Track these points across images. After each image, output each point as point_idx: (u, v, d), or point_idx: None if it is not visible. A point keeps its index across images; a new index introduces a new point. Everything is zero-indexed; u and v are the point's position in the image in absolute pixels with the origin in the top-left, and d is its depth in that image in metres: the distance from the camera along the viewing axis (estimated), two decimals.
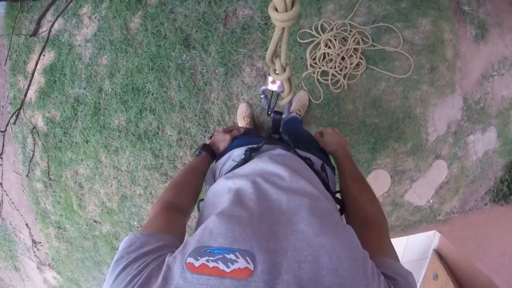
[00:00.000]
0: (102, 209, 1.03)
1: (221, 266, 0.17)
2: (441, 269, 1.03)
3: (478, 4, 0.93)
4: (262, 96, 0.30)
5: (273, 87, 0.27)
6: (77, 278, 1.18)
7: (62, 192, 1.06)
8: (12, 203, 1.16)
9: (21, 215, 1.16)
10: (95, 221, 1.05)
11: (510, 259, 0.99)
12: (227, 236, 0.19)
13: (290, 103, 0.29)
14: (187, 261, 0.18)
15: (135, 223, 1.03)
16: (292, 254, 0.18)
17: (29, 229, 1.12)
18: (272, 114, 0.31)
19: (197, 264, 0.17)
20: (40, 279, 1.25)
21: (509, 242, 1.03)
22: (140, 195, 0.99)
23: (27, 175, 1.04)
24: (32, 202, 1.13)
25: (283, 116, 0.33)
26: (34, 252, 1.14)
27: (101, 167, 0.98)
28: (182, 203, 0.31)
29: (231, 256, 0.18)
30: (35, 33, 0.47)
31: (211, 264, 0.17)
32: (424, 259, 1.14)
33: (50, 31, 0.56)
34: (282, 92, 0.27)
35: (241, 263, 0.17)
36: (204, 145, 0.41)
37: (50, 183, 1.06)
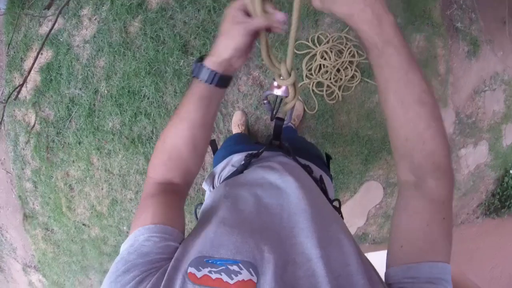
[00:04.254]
0: (91, 213, 1.01)
1: (225, 277, 0.16)
2: None
3: (470, 21, 0.96)
4: (265, 101, 0.29)
5: (278, 92, 0.25)
6: (62, 282, 1.14)
7: (51, 193, 1.04)
8: None
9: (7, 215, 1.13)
10: (83, 224, 1.03)
11: (502, 272, 0.99)
12: (229, 247, 0.18)
13: (292, 109, 0.28)
14: (188, 271, 0.17)
15: (125, 228, 1.01)
16: (292, 269, 0.18)
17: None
18: (274, 120, 0.30)
19: (199, 275, 0.16)
20: (25, 281, 1.21)
21: (500, 255, 1.04)
22: (131, 199, 0.97)
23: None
24: (20, 202, 1.11)
25: (285, 122, 0.30)
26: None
27: (93, 170, 0.97)
28: (178, 182, 0.24)
29: (235, 267, 0.17)
30: (49, 6, 0.46)
31: (214, 276, 0.16)
32: None
33: (56, 19, 0.55)
34: (287, 97, 0.26)
35: (244, 275, 0.17)
36: (201, 60, 0.22)
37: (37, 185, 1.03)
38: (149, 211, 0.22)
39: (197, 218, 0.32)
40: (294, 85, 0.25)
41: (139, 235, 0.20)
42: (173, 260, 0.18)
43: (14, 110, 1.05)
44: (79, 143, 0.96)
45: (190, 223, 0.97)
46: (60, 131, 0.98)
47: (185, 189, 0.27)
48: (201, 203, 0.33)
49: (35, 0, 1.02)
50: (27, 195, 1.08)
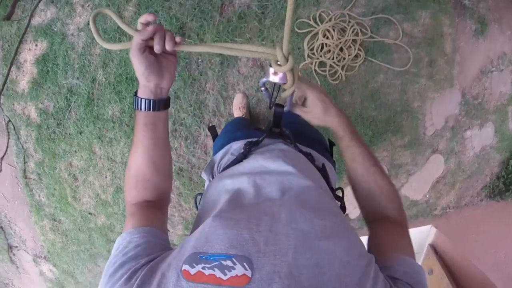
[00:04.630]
0: (96, 201, 1.02)
1: (218, 273, 0.16)
2: (436, 264, 1.03)
3: None
4: (262, 88, 0.28)
5: (275, 78, 0.24)
6: (72, 270, 1.17)
7: (56, 184, 1.05)
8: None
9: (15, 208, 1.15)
10: (90, 213, 1.04)
11: (505, 255, 1.00)
12: (224, 241, 0.18)
13: (292, 95, 0.27)
14: (182, 268, 0.17)
15: None
16: (294, 256, 0.17)
17: (4, 232, 1.08)
18: (273, 107, 0.29)
19: (192, 271, 0.17)
20: (36, 271, 1.25)
21: (504, 239, 1.04)
22: None
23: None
24: (27, 195, 1.12)
25: (285, 109, 0.29)
26: (10, 257, 1.11)
27: (95, 159, 0.97)
28: (153, 199, 0.27)
29: (228, 262, 0.17)
30: (9, 16, 0.45)
31: (207, 272, 0.16)
32: (419, 254, 1.13)
33: (31, 14, 0.53)
34: (285, 83, 0.24)
35: (238, 270, 0.16)
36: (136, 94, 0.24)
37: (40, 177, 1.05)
38: (130, 222, 0.24)
39: (197, 207, 0.32)
40: (292, 70, 0.24)
41: (122, 240, 0.21)
42: (169, 257, 0.18)
43: (13, 104, 1.04)
44: (80, 133, 0.96)
45: (191, 209, 0.98)
46: (61, 122, 0.98)
47: (163, 203, 0.28)
48: (200, 193, 0.33)
49: None
50: (32, 187, 1.10)
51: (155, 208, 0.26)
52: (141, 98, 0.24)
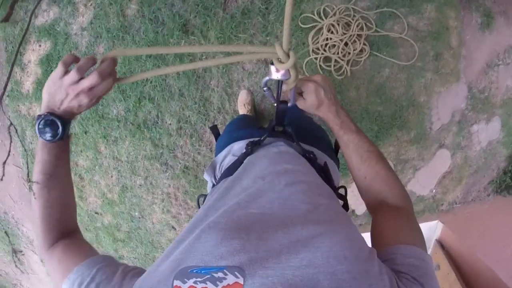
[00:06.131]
0: (103, 201, 1.02)
1: (210, 286, 0.16)
2: (443, 260, 1.03)
3: None
4: (265, 88, 0.28)
5: (278, 75, 0.24)
6: None
7: None
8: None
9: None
10: (96, 213, 1.05)
11: None
12: (213, 253, 0.18)
13: (294, 89, 0.27)
14: (174, 284, 0.17)
15: (136, 213, 1.02)
16: (286, 257, 0.17)
17: (8, 237, 1.10)
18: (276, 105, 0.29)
19: (185, 286, 0.16)
20: (44, 271, 1.26)
21: (511, 234, 1.02)
22: (140, 185, 0.98)
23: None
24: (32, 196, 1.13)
25: (289, 104, 0.29)
26: (15, 262, 1.13)
27: (101, 158, 0.98)
28: (68, 229, 0.27)
29: (220, 274, 0.17)
30: (7, 18, 0.45)
31: (199, 286, 0.16)
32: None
33: (31, 16, 0.53)
34: (287, 79, 0.25)
35: (230, 280, 0.16)
36: (45, 116, 0.23)
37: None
38: (63, 267, 0.23)
39: (199, 207, 0.32)
40: (294, 66, 0.24)
41: (73, 278, 0.21)
42: (158, 275, 0.18)
43: (18, 105, 1.05)
44: (86, 133, 0.96)
45: (196, 209, 0.98)
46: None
47: (75, 228, 0.29)
48: (203, 195, 0.33)
49: None
50: None
51: (74, 238, 0.26)
52: (58, 125, 0.23)
